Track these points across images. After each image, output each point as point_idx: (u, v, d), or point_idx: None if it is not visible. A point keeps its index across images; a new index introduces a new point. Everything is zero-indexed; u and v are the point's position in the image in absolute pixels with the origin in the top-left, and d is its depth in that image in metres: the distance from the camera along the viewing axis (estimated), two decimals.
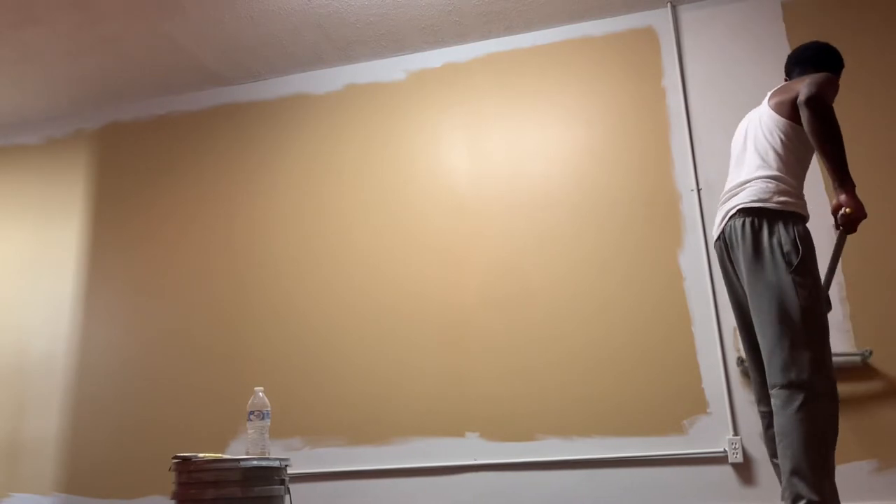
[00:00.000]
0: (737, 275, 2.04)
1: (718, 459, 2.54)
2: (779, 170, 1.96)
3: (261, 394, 2.33)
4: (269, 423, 2.32)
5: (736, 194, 2.01)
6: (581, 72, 3.08)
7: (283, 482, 2.23)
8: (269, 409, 2.33)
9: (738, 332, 2.12)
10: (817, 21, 2.86)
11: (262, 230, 3.27)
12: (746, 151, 2.06)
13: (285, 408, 3.00)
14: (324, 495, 2.86)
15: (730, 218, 2.00)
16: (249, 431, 2.30)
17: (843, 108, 2.72)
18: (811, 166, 2.72)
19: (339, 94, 3.37)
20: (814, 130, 1.88)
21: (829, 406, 1.78)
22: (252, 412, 2.30)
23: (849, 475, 2.43)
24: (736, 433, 2.54)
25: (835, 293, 2.59)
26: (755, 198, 1.95)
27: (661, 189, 2.85)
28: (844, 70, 2.77)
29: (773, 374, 1.84)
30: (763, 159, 1.99)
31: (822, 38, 2.82)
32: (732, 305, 2.09)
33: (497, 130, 3.11)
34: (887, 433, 2.43)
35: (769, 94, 2.11)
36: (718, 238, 2.07)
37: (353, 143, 3.27)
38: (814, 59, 2.13)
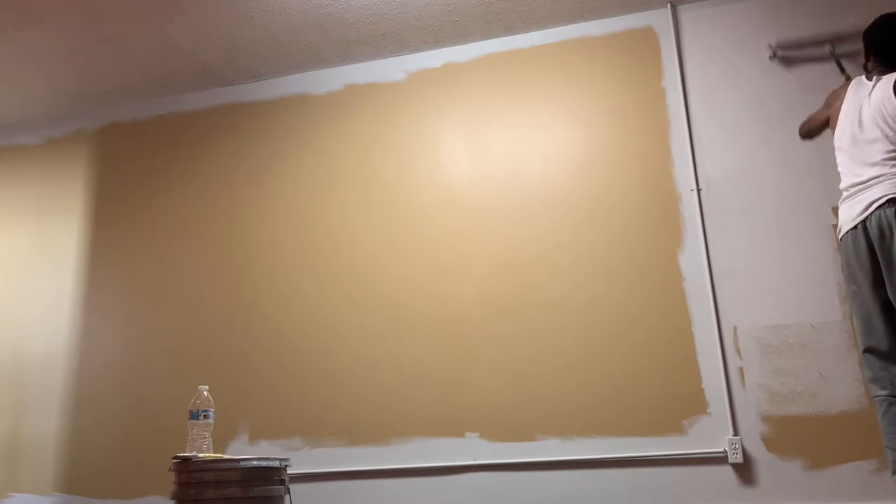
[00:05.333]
0: (876, 261, 2.10)
1: (718, 460, 2.54)
2: None
3: (205, 393, 2.37)
4: (212, 422, 2.36)
5: (870, 187, 2.10)
6: (581, 72, 3.08)
7: (283, 482, 2.23)
8: (213, 408, 2.38)
9: (860, 321, 2.15)
10: (816, 20, 2.86)
11: (262, 230, 3.27)
12: (875, 143, 2.14)
13: (285, 408, 3.00)
14: (324, 495, 2.86)
15: (878, 207, 2.07)
16: (193, 430, 2.31)
17: None
18: (812, 169, 2.73)
19: (339, 95, 3.37)
20: None
21: None
22: (198, 412, 2.33)
23: (849, 475, 2.43)
24: (736, 433, 2.54)
25: (834, 293, 2.59)
26: None
27: (661, 189, 2.85)
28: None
29: None
30: (888, 139, 2.09)
31: (822, 39, 2.83)
32: (867, 293, 2.12)
33: (497, 130, 3.11)
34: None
35: (888, 80, 2.16)
36: (855, 228, 2.13)
37: (352, 144, 3.27)
38: None
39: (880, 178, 2.08)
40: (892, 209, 2.04)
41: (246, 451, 2.99)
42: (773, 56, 2.81)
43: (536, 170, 3.01)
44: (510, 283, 2.90)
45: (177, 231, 3.39)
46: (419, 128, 3.21)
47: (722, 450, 2.54)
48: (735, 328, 2.65)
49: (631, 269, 2.79)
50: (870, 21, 2.36)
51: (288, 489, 2.24)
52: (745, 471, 2.51)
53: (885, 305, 2.09)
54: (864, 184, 2.13)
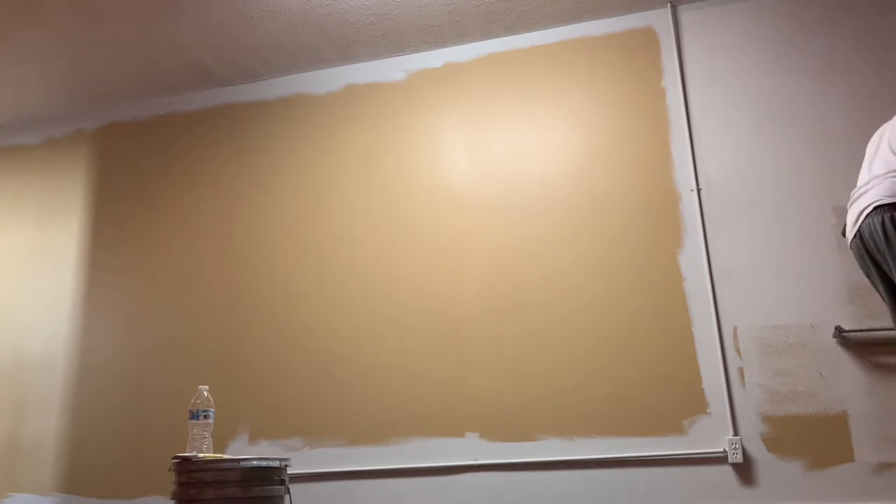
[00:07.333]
0: (881, 269, 2.02)
1: (718, 459, 2.54)
2: None
3: (205, 393, 2.38)
4: (212, 422, 2.37)
5: (865, 192, 2.00)
6: (581, 72, 3.08)
7: (283, 482, 2.23)
8: (213, 408, 2.38)
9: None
10: (816, 21, 2.86)
11: (262, 230, 3.27)
12: (879, 151, 2.05)
13: (285, 408, 3.00)
14: (324, 495, 2.86)
15: (866, 217, 1.98)
16: (193, 430, 2.31)
17: (848, 106, 2.73)
18: (813, 169, 2.73)
19: (339, 95, 3.37)
20: None
21: None
22: (198, 412, 2.33)
23: (849, 475, 2.43)
24: (736, 433, 2.54)
25: (834, 293, 2.59)
26: (889, 192, 1.94)
27: (660, 189, 2.85)
28: (837, 67, 2.78)
29: None
30: (894, 154, 1.99)
31: (820, 37, 2.84)
32: (884, 297, 2.05)
33: (497, 130, 3.11)
34: (887, 433, 2.43)
35: None
36: (855, 237, 2.06)
37: (352, 144, 3.27)
38: None
39: (873, 184, 2.03)
40: (879, 217, 1.95)
41: (246, 451, 2.99)
42: None
43: (536, 170, 3.01)
44: (510, 283, 2.90)
45: (177, 231, 3.39)
46: (419, 128, 3.21)
47: (722, 450, 2.54)
48: (735, 328, 2.65)
49: (631, 269, 2.80)
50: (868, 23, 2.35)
51: (288, 489, 2.24)
52: (745, 471, 2.51)
53: None
54: (860, 189, 2.07)
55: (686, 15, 3.02)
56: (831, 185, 2.68)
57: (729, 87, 2.89)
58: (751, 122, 2.83)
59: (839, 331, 2.51)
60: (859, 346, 2.52)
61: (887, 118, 2.70)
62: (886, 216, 1.94)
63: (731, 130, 2.84)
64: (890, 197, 1.95)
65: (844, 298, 2.57)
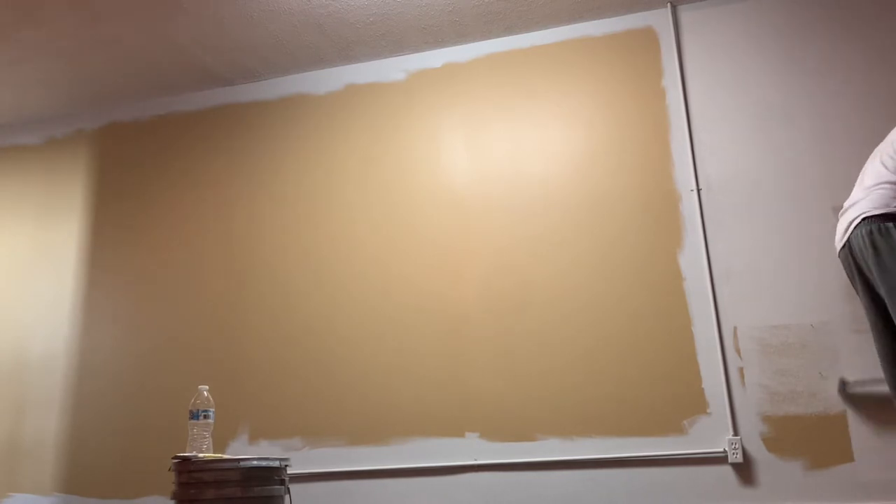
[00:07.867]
0: (867, 279, 2.06)
1: (718, 460, 2.54)
2: None
3: (205, 393, 2.38)
4: (212, 422, 2.37)
5: (855, 204, 2.07)
6: (581, 72, 3.08)
7: (283, 482, 2.23)
8: (213, 408, 2.38)
9: (872, 332, 2.13)
10: (816, 21, 2.86)
11: (262, 230, 3.27)
12: (872, 165, 2.12)
13: (285, 408, 3.00)
14: (324, 495, 2.86)
15: (855, 227, 2.04)
16: (193, 430, 2.31)
17: (848, 106, 2.73)
18: (813, 169, 2.73)
19: (339, 95, 3.37)
20: None
21: None
22: (198, 412, 2.33)
23: (849, 475, 2.43)
24: (736, 433, 2.54)
25: (835, 293, 2.59)
26: (878, 204, 1.99)
27: (660, 189, 2.85)
28: (837, 67, 2.78)
29: None
30: (885, 168, 2.05)
31: (820, 37, 2.84)
32: (866, 308, 2.10)
33: (497, 130, 3.11)
34: (887, 433, 2.43)
35: None
36: (844, 247, 2.10)
37: (352, 144, 3.27)
38: None
39: (863, 195, 2.07)
40: (867, 228, 2.01)
41: (246, 451, 2.99)
42: None
43: (536, 170, 3.01)
44: (510, 282, 2.90)
45: (177, 231, 3.39)
46: (419, 128, 3.21)
47: (722, 450, 2.54)
48: (735, 328, 2.65)
49: (631, 269, 2.79)
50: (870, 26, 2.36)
51: (288, 489, 2.24)
52: (745, 471, 2.51)
53: (881, 319, 2.07)
54: (850, 200, 2.13)
55: (686, 15, 3.02)
56: (831, 185, 2.68)
57: (729, 87, 2.89)
58: (751, 122, 2.83)
59: (843, 384, 2.49)
60: (864, 399, 2.48)
61: (887, 118, 2.70)
62: (874, 227, 1.98)
63: (731, 130, 2.84)
64: (877, 208, 1.99)
65: (844, 298, 2.57)
